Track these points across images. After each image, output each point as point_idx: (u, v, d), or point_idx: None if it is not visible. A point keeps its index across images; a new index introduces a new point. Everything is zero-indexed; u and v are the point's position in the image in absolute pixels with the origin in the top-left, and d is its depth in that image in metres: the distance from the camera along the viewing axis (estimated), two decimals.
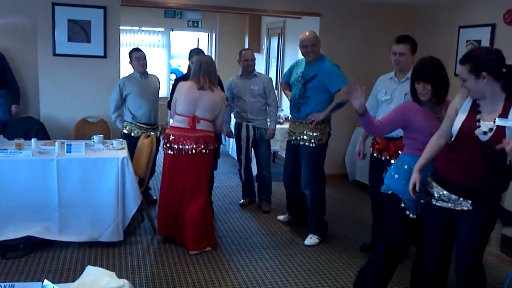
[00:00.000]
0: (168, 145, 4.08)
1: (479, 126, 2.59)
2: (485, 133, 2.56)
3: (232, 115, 5.39)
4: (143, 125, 5.09)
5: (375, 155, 3.97)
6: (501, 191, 2.75)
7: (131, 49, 5.21)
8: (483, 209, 2.66)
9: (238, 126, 5.27)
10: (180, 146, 4.02)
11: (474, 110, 2.64)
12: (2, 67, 5.50)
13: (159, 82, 5.37)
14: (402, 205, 3.02)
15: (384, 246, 3.16)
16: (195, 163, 4.06)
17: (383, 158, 3.85)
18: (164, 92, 10.21)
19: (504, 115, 2.54)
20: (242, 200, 5.51)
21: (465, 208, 2.68)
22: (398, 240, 3.10)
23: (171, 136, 4.07)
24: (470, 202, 2.67)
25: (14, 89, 5.58)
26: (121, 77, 5.29)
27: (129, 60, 5.10)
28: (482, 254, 2.80)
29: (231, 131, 5.39)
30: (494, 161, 2.59)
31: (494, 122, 2.54)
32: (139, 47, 5.85)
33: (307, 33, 4.30)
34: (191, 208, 4.09)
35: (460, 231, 2.74)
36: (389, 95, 3.87)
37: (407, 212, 3.02)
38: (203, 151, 4.04)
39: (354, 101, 2.91)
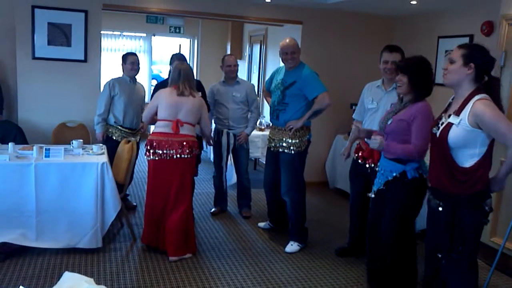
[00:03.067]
0: (151, 151, 4.02)
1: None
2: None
3: (213, 121, 5.37)
4: (125, 129, 5.07)
5: (359, 161, 4.02)
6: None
7: (125, 52, 5.28)
8: None
9: (218, 133, 5.23)
10: (165, 151, 3.98)
11: None
12: None
13: (144, 91, 5.44)
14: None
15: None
16: (179, 168, 4.02)
17: (367, 165, 3.90)
18: (146, 98, 10.15)
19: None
20: (214, 209, 5.41)
21: None
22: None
23: (154, 142, 4.03)
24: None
25: None
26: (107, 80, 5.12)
27: (122, 63, 5.09)
28: None
29: (212, 137, 5.36)
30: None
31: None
32: (123, 51, 5.86)
33: (287, 40, 4.32)
34: (173, 214, 4.05)
35: None
36: (375, 103, 3.91)
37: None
38: (188, 156, 4.02)
39: (373, 144, 3.18)
